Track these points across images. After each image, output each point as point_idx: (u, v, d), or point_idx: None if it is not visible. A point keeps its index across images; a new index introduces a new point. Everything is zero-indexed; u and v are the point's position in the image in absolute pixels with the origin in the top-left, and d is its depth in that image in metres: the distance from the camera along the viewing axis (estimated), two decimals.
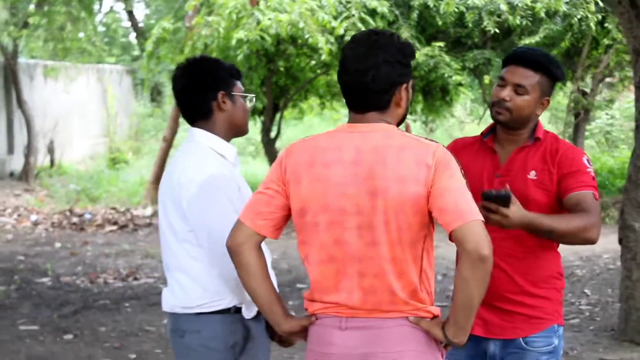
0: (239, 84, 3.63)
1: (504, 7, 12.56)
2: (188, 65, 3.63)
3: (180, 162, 3.50)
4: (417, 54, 13.02)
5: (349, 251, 2.95)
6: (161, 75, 19.46)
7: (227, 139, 3.60)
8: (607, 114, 19.31)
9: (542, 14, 12.52)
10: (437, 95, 16.19)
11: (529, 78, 3.63)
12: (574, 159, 3.61)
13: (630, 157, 7.27)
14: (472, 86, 15.81)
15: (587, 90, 14.65)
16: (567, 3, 12.50)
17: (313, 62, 14.93)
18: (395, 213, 2.90)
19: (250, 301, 3.37)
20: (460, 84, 14.14)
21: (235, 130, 3.62)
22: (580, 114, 14.79)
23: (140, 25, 27.84)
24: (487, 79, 14.87)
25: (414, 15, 13.17)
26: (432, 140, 3.00)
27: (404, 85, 3.00)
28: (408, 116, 3.11)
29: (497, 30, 12.60)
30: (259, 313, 3.46)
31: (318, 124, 22.20)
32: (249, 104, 3.65)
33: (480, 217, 2.85)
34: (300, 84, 15.26)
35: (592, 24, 12.47)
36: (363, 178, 2.92)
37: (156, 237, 13.09)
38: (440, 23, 13.13)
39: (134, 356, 7.14)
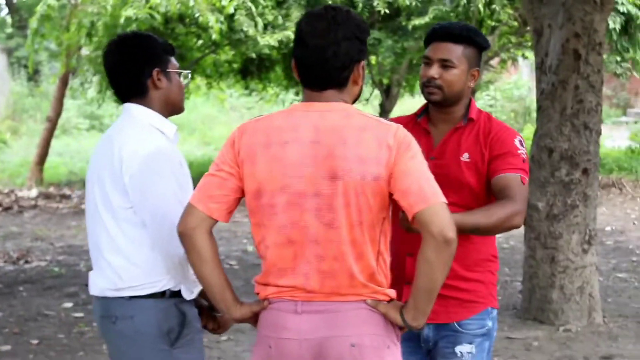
0: (173, 60, 3.48)
1: None
2: (120, 41, 3.47)
3: (118, 138, 3.33)
4: None
5: (308, 233, 2.85)
6: (40, 53, 18.90)
7: (165, 117, 3.45)
8: (487, 95, 19.67)
9: None
10: None
11: (454, 51, 3.56)
12: (506, 140, 3.56)
13: (533, 137, 7.38)
14: None
15: None
16: None
17: (201, 42, 14.76)
18: (355, 194, 2.81)
19: (192, 282, 3.28)
20: None
21: (172, 108, 3.47)
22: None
23: (14, 1, 27.02)
24: (373, 59, 14.96)
25: None
26: (390, 121, 2.95)
27: (362, 63, 2.93)
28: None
29: (387, 11, 12.63)
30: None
31: (202, 104, 21.99)
32: (184, 81, 3.50)
33: (444, 199, 2.81)
34: (187, 64, 15.05)
35: (480, 5, 12.63)
36: (322, 158, 2.82)
37: (43, 219, 12.83)
38: (329, 2, 13.11)
39: (36, 341, 6.89)
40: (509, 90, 19.14)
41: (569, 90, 7.15)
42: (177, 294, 3.33)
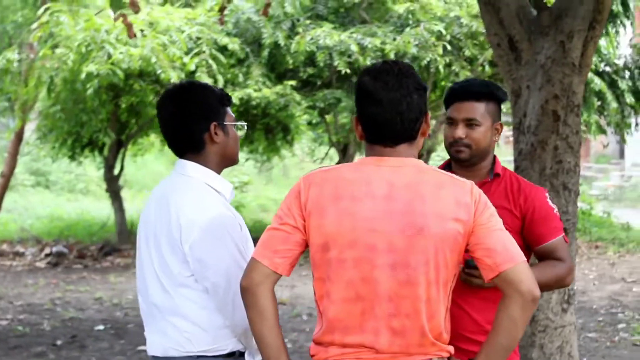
0: (229, 111, 3.34)
1: (354, 47, 12.76)
2: (176, 91, 3.32)
3: (175, 201, 3.20)
4: (268, 92, 13.05)
5: (379, 290, 2.79)
6: None
7: (219, 171, 3.33)
8: (438, 155, 19.85)
9: (392, 55, 12.75)
10: (278, 135, 16.27)
11: (477, 109, 3.60)
12: (540, 201, 3.60)
13: None
14: (314, 125, 15.86)
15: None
16: (416, 45, 12.78)
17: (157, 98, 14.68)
18: (435, 252, 2.78)
19: (256, 350, 3.17)
20: (310, 123, 14.22)
21: (227, 162, 3.35)
22: (423, 154, 15.12)
23: None
24: (328, 118, 15.02)
25: (265, 53, 13.19)
26: (462, 179, 2.93)
27: (428, 114, 2.93)
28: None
29: (348, 71, 12.72)
30: None
31: (152, 162, 21.82)
32: (240, 133, 3.38)
33: (524, 258, 2.81)
34: (144, 121, 14.96)
35: (440, 67, 12.79)
36: (399, 214, 2.78)
37: None
38: (290, 62, 13.18)
39: None
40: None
41: (548, 151, 7.21)
42: (243, 354, 3.26)
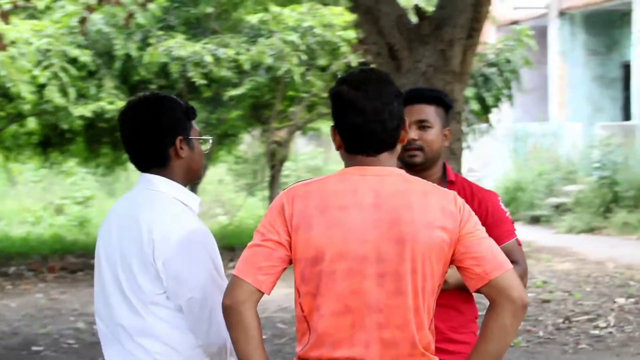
0: (194, 124, 3.24)
1: (208, 58, 12.68)
2: (139, 103, 3.19)
3: (144, 217, 3.07)
4: (121, 105, 12.77)
5: (368, 301, 2.73)
6: None
7: (184, 185, 3.22)
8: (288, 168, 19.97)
9: (247, 66, 12.75)
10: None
11: (428, 111, 3.64)
12: (493, 205, 3.65)
13: None
14: None
15: (281, 141, 15.00)
16: (271, 56, 12.80)
17: (1, 113, 14.16)
18: (422, 260, 2.74)
19: None
20: None
21: (192, 176, 3.24)
22: (276, 165, 15.14)
23: None
24: None
25: (117, 65, 12.93)
26: (444, 188, 2.92)
27: (405, 121, 2.90)
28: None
29: (203, 82, 12.63)
30: None
31: None
32: (204, 147, 3.27)
33: (512, 265, 2.82)
34: None
35: (296, 77, 12.85)
36: (387, 223, 2.73)
37: None
38: (143, 73, 12.97)
39: None
40: (304, 160, 19.46)
41: None
42: None
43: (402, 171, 2.86)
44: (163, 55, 12.70)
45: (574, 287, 11.11)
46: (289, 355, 8.26)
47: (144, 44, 13.00)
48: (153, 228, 3.03)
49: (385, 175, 2.81)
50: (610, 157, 17.74)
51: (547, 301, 10.32)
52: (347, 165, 2.88)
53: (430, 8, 9.23)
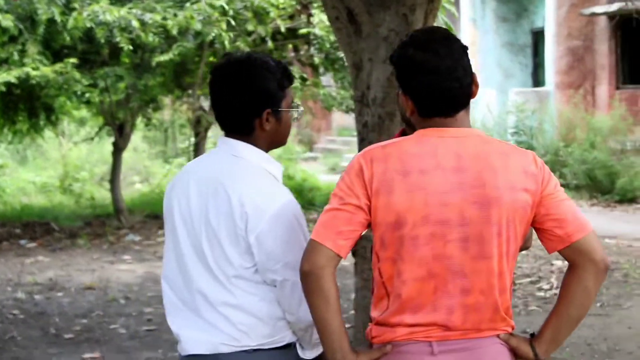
0: (288, 92, 3.08)
1: (135, 24, 12.35)
2: (229, 65, 3.04)
3: (233, 186, 2.93)
4: (47, 71, 12.45)
5: (451, 266, 2.68)
6: None
7: (267, 151, 3.11)
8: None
9: (175, 32, 12.51)
10: (41, 115, 15.53)
11: None
12: None
13: None
14: (86, 104, 15.20)
15: (206, 108, 14.75)
16: (200, 21, 12.58)
17: None
18: (507, 223, 2.70)
19: (314, 345, 3.03)
20: (88, 102, 13.68)
21: (276, 146, 3.14)
22: (200, 132, 14.90)
23: None
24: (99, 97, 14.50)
25: (40, 30, 12.53)
26: (523, 149, 2.88)
27: (475, 75, 2.82)
28: None
29: (131, 47, 12.35)
30: None
31: None
32: (295, 116, 3.12)
33: (592, 227, 2.79)
34: None
35: (226, 42, 12.66)
36: (470, 186, 2.68)
37: None
38: (67, 39, 12.61)
39: None
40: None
41: (395, 123, 7.28)
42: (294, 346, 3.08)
43: (481, 131, 2.82)
44: (88, 20, 12.35)
45: None
46: None
47: (68, 9, 12.62)
48: (245, 201, 2.93)
49: (464, 137, 2.76)
50: (525, 123, 18.06)
51: None
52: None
53: None
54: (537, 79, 21.48)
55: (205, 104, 14.67)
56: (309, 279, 2.70)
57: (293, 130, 20.46)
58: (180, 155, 20.51)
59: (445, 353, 2.73)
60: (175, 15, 12.64)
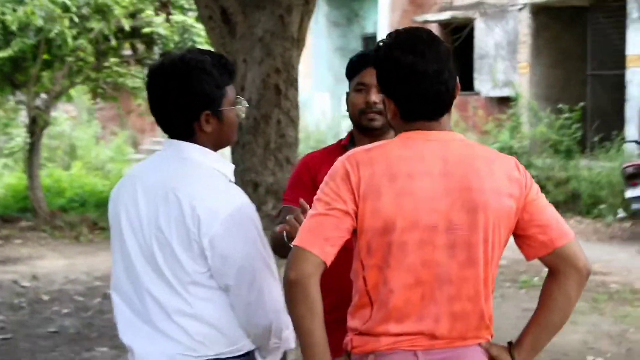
0: (229, 90, 2.91)
1: None
2: (163, 68, 2.86)
3: (184, 189, 2.78)
4: None
5: (439, 273, 2.60)
6: None
7: (215, 151, 2.95)
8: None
9: (14, 27, 12.03)
10: None
11: None
12: None
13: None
14: None
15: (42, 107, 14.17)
16: (41, 17, 12.12)
17: None
18: (493, 229, 2.63)
19: (271, 351, 2.90)
20: None
21: (221, 147, 2.96)
22: (36, 132, 14.28)
23: None
24: None
25: None
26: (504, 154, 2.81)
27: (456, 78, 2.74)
28: None
29: None
30: None
31: None
32: (240, 113, 2.94)
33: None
34: None
35: (68, 39, 12.26)
36: (457, 191, 2.61)
37: None
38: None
39: None
40: (54, 127, 18.40)
41: (271, 125, 7.22)
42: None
43: (461, 135, 2.75)
44: None
45: None
46: (103, 327, 7.93)
47: None
48: (196, 204, 2.77)
49: (448, 140, 2.69)
50: None
51: None
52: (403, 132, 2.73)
53: None
54: None
55: (40, 102, 14.11)
56: (295, 289, 2.57)
57: (124, 132, 20.02)
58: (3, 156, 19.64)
59: None
60: (14, 10, 12.14)
